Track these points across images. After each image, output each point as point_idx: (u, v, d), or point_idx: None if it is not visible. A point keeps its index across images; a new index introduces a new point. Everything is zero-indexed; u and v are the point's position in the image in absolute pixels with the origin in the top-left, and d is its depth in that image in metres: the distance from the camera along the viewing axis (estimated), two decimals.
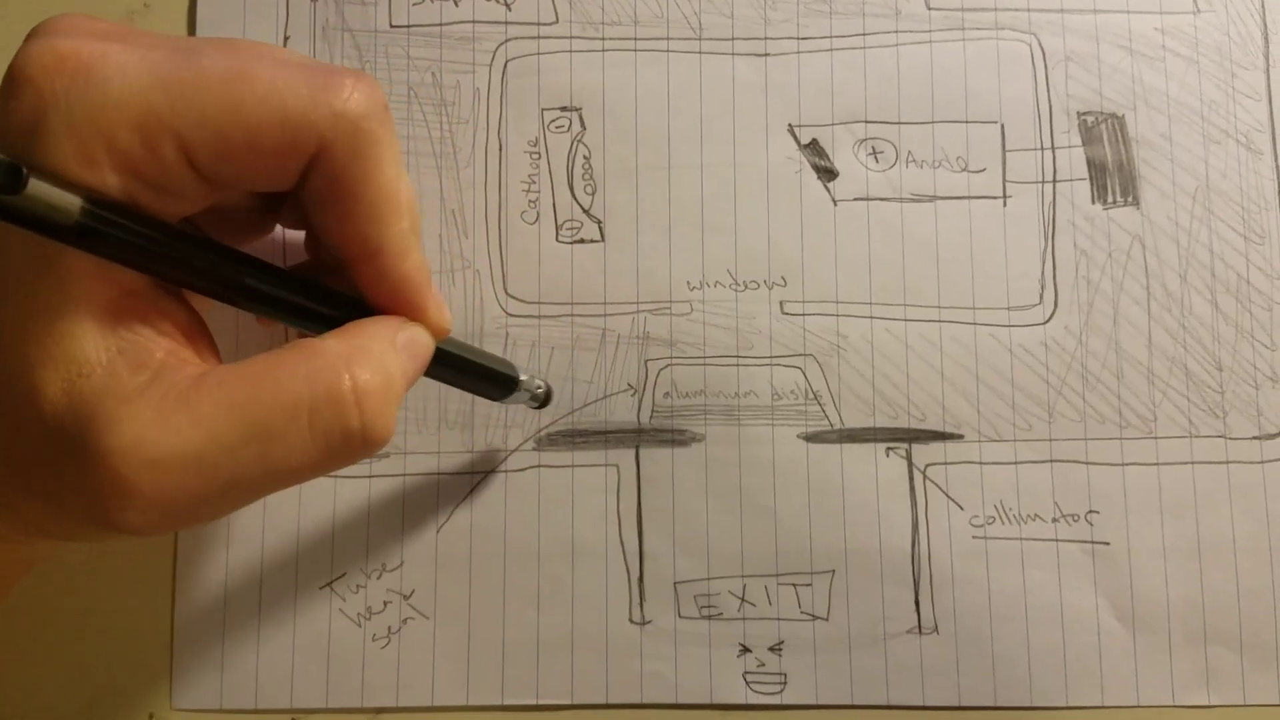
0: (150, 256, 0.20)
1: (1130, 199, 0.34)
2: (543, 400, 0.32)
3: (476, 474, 0.33)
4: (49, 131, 0.19)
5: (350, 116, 0.21)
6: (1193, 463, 0.33)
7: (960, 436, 0.33)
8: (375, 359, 0.21)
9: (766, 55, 0.34)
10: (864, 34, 0.34)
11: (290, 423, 0.20)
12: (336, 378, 0.21)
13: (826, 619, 0.32)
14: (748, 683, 0.32)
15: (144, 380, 0.20)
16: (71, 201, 0.19)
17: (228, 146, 0.20)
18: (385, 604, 0.32)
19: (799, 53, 0.34)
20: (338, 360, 0.21)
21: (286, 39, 0.34)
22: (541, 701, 0.32)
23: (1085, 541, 0.32)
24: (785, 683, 0.32)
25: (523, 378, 0.30)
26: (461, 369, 0.27)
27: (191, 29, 0.34)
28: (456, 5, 0.34)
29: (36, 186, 0.18)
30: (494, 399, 0.30)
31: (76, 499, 0.20)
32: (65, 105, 0.19)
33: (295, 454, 0.20)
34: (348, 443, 0.21)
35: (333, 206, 0.22)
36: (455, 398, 0.33)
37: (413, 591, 0.32)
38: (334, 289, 0.24)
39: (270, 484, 0.21)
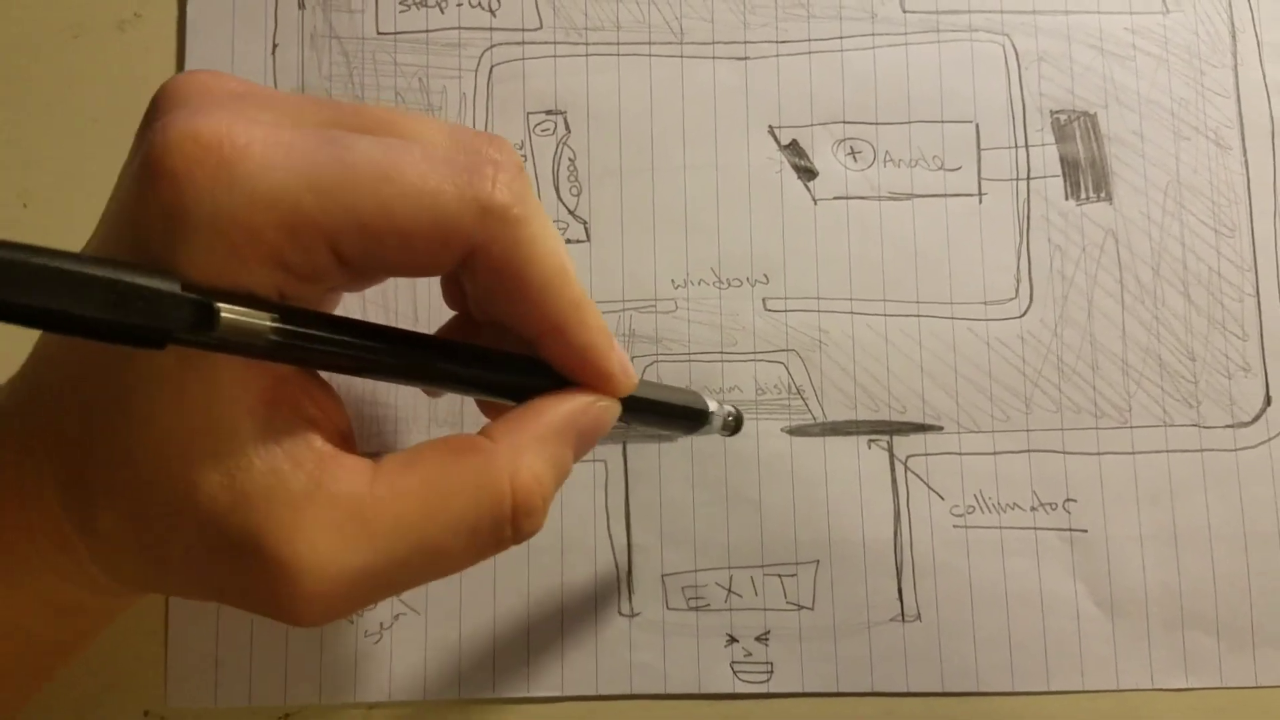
0: (340, 359, 0.20)
1: (1103, 195, 0.34)
2: (734, 428, 0.31)
3: None
4: (194, 227, 0.18)
5: (499, 210, 0.20)
6: (1168, 451, 0.33)
7: (940, 428, 0.33)
8: (542, 462, 0.22)
9: (746, 59, 0.35)
10: (841, 37, 0.35)
11: (455, 540, 0.21)
12: (501, 496, 0.21)
13: (812, 608, 0.33)
14: (735, 672, 0.32)
15: (306, 481, 0.20)
16: (261, 324, 0.19)
17: (379, 247, 0.20)
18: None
19: (778, 56, 0.35)
20: (503, 475, 0.21)
21: (275, 46, 0.34)
22: (533, 694, 0.32)
23: (1063, 529, 0.33)
24: (772, 671, 0.32)
25: (712, 408, 0.29)
26: (651, 412, 0.27)
27: (181, 38, 0.35)
28: (442, 12, 0.35)
29: (227, 319, 0.18)
30: (685, 434, 0.30)
31: (249, 598, 0.20)
32: (211, 201, 0.18)
33: (455, 563, 0.22)
34: (497, 549, 0.22)
35: (500, 294, 0.22)
36: (445, 395, 0.33)
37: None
38: (515, 355, 0.23)
39: (426, 582, 0.22)
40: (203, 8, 0.35)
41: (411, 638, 0.32)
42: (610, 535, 0.33)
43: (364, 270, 0.21)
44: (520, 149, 0.34)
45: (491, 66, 0.35)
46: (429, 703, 0.32)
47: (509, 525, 0.22)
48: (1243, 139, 0.35)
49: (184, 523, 0.20)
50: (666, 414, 0.28)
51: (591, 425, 0.23)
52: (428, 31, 0.35)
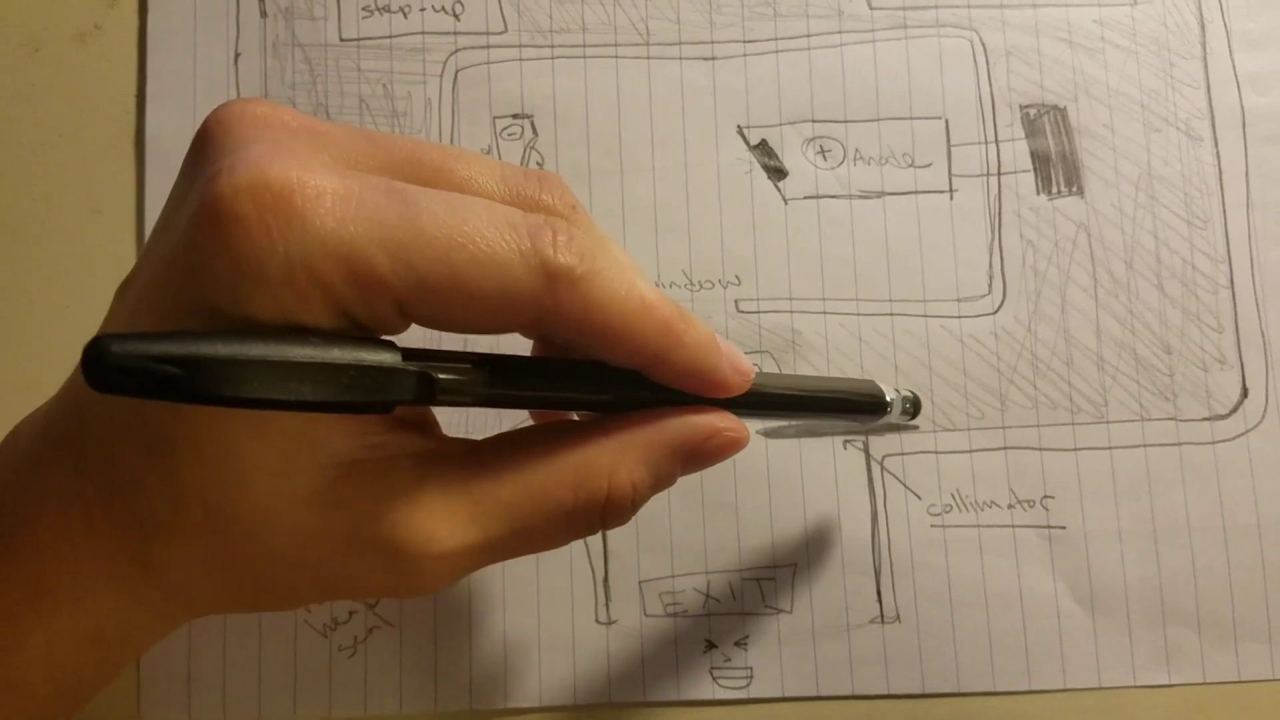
0: (537, 401, 0.23)
1: (1074, 189, 0.34)
2: (914, 411, 0.30)
3: None
4: (265, 277, 0.18)
5: (563, 273, 0.20)
6: (1145, 446, 0.33)
7: (915, 427, 0.33)
8: (644, 470, 0.23)
9: (714, 59, 0.35)
10: (808, 35, 0.35)
11: (551, 526, 0.22)
12: (598, 493, 0.22)
13: (790, 612, 0.32)
14: (714, 678, 0.32)
15: (412, 467, 0.21)
16: (471, 381, 0.20)
17: (447, 310, 0.20)
18: (351, 614, 0.32)
19: (745, 55, 0.35)
20: (602, 473, 0.22)
21: (238, 55, 0.34)
22: (510, 705, 0.32)
23: (1041, 526, 0.33)
24: (751, 677, 0.32)
25: (889, 395, 0.28)
26: (817, 407, 0.27)
27: (143, 49, 0.34)
28: (406, 17, 0.34)
29: (445, 381, 0.20)
30: (862, 425, 0.30)
31: (367, 586, 0.22)
32: (284, 251, 0.18)
33: (546, 544, 0.23)
34: (584, 535, 0.23)
35: (586, 345, 0.22)
36: None
37: (378, 600, 0.32)
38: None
39: (516, 557, 0.23)
40: (163, 18, 0.34)
41: (386, 651, 0.32)
42: (586, 542, 0.33)
43: (434, 327, 0.21)
44: (487, 153, 0.34)
45: (456, 71, 0.34)
46: (404, 716, 0.32)
47: (598, 519, 0.22)
48: (1214, 130, 0.35)
49: (280, 541, 0.20)
50: (836, 408, 0.27)
51: (713, 451, 0.23)
52: (391, 37, 0.34)
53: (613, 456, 0.22)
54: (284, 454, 0.20)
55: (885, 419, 0.29)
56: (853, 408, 0.28)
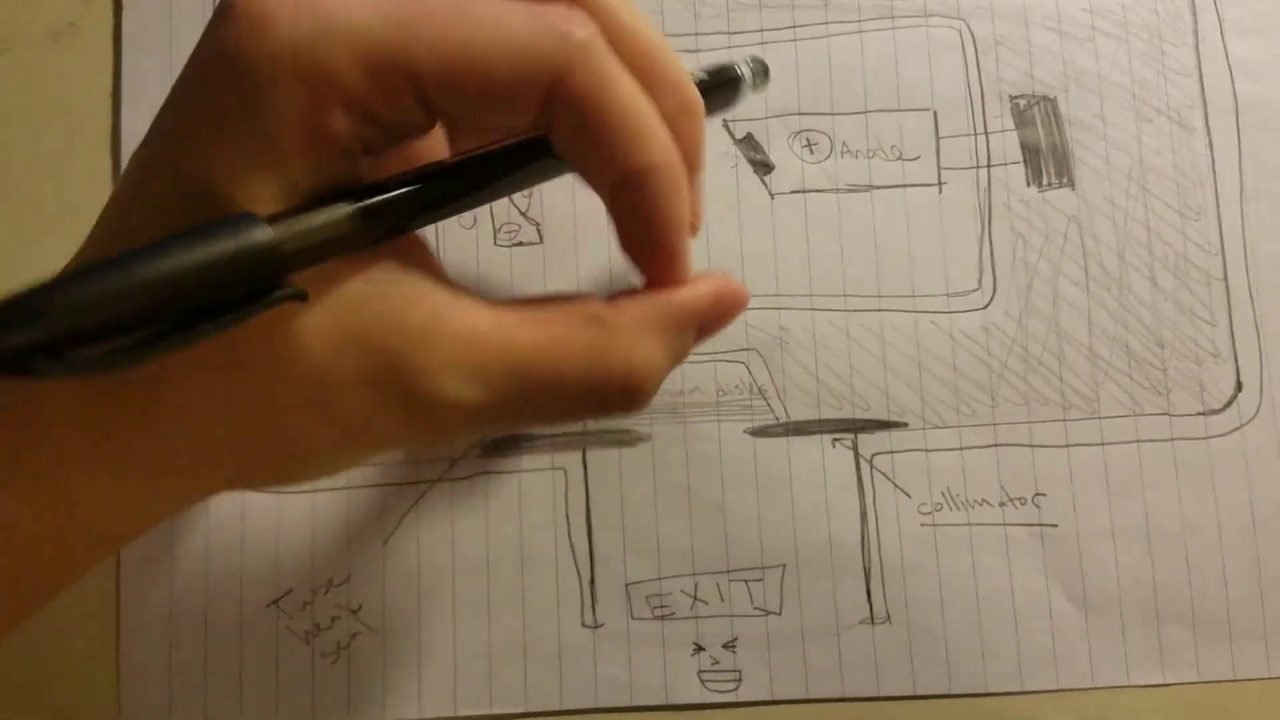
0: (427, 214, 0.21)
1: (1065, 180, 0.34)
2: (762, 75, 0.27)
3: (422, 484, 0.32)
4: (277, 74, 0.18)
5: (579, 40, 0.20)
6: (1138, 441, 0.33)
7: (905, 424, 0.33)
8: (662, 349, 0.22)
9: (698, 50, 0.34)
10: (794, 26, 0.34)
11: (559, 400, 0.21)
12: (612, 374, 0.21)
13: (779, 614, 0.32)
14: (703, 681, 0.32)
15: (424, 317, 0.20)
16: (340, 217, 0.19)
17: (462, 80, 0.19)
18: (333, 620, 0.32)
19: (730, 47, 0.34)
20: (618, 355, 0.21)
21: None
22: (495, 710, 0.31)
23: (1033, 525, 0.32)
24: (740, 680, 0.32)
25: (742, 72, 0.26)
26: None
27: (118, 47, 0.34)
28: None
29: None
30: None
31: (383, 431, 0.21)
32: (291, 42, 0.18)
33: (554, 421, 0.25)
34: (597, 417, 0.24)
35: (583, 136, 0.21)
36: None
37: (360, 606, 0.32)
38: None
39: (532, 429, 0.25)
40: (139, 16, 0.34)
41: (369, 657, 0.32)
42: (572, 545, 0.32)
43: (450, 114, 0.20)
44: None
45: None
46: None
47: (615, 400, 0.22)
48: (1206, 119, 0.34)
49: (293, 377, 0.19)
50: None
51: (721, 316, 0.23)
52: None
53: (628, 336, 0.21)
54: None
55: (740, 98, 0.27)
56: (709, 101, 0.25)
